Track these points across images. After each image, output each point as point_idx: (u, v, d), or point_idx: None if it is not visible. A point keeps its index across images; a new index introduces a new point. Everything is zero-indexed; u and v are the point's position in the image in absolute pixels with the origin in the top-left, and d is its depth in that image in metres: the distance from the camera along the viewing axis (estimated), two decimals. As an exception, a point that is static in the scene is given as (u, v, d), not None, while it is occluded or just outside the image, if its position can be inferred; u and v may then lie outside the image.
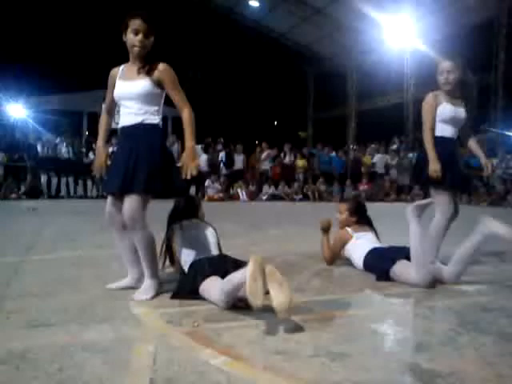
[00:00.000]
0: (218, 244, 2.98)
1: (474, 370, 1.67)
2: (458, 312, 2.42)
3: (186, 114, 2.60)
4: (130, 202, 2.51)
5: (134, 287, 2.69)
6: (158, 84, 2.59)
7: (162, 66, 2.58)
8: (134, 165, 2.52)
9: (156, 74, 2.57)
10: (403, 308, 2.58)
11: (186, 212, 3.07)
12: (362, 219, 3.63)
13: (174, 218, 3.03)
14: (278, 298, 2.01)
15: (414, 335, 2.04)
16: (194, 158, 2.53)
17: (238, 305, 2.35)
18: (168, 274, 3.05)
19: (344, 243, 3.53)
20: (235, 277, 2.22)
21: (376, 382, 1.55)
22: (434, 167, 3.28)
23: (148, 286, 2.59)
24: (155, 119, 2.62)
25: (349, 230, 3.54)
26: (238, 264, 2.48)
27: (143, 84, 2.57)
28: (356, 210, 3.63)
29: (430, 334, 2.06)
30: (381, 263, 3.12)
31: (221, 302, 2.33)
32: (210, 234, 2.98)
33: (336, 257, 3.62)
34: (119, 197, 2.59)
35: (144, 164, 2.52)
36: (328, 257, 3.61)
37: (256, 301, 2.00)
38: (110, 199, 2.69)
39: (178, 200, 3.13)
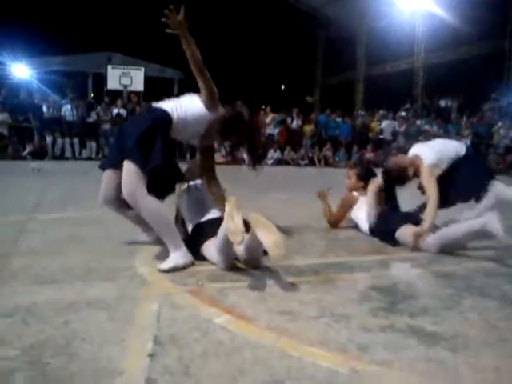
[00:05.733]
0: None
1: (477, 333, 1.67)
2: (463, 277, 2.42)
3: None
4: (124, 174, 2.40)
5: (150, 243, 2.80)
6: None
7: None
8: (124, 137, 2.48)
9: None
10: (408, 272, 2.59)
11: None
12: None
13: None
14: (268, 237, 2.02)
15: (419, 299, 2.04)
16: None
17: (238, 265, 2.36)
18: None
19: (349, 206, 3.52)
20: (220, 230, 2.23)
21: (379, 342, 1.56)
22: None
23: (170, 259, 2.39)
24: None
25: (355, 194, 3.52)
26: None
27: None
28: (364, 175, 3.58)
29: (434, 297, 2.06)
30: (387, 227, 3.11)
31: (219, 261, 2.35)
32: None
33: (340, 220, 3.62)
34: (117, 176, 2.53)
35: (130, 134, 2.45)
36: (331, 220, 3.61)
37: (236, 237, 2.03)
38: (104, 179, 2.65)
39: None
